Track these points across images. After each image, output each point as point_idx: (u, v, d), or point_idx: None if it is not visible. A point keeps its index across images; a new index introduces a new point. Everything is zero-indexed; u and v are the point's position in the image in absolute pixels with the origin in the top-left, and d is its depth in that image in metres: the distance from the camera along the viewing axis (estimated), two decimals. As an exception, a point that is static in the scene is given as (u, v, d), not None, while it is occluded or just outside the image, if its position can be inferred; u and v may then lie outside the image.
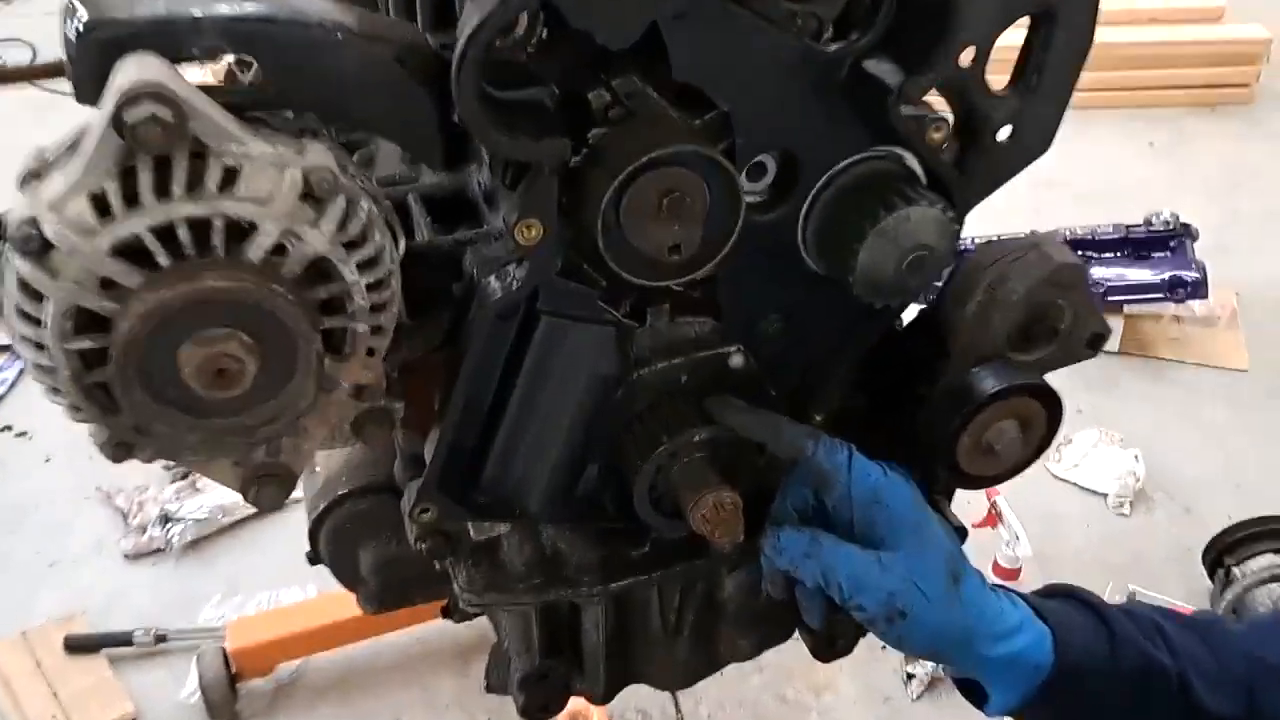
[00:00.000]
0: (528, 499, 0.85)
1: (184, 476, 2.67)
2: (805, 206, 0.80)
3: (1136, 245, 2.98)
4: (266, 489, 0.73)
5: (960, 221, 0.80)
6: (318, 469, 1.12)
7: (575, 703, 1.04)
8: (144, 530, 2.51)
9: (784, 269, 0.82)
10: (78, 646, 2.23)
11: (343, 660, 2.23)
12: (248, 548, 2.51)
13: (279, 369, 0.65)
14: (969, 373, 0.85)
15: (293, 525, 2.56)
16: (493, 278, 0.76)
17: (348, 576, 1.09)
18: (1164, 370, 2.95)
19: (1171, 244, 2.94)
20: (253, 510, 2.54)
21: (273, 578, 2.41)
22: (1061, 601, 0.87)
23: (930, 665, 2.11)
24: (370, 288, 0.68)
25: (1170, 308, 3.00)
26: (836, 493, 0.80)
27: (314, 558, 1.10)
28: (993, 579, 0.89)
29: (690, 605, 0.99)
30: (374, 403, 0.77)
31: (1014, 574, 2.37)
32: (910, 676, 2.13)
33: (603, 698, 1.01)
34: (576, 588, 0.90)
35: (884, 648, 2.22)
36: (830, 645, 1.06)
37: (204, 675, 2.08)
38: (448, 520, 0.83)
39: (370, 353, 0.71)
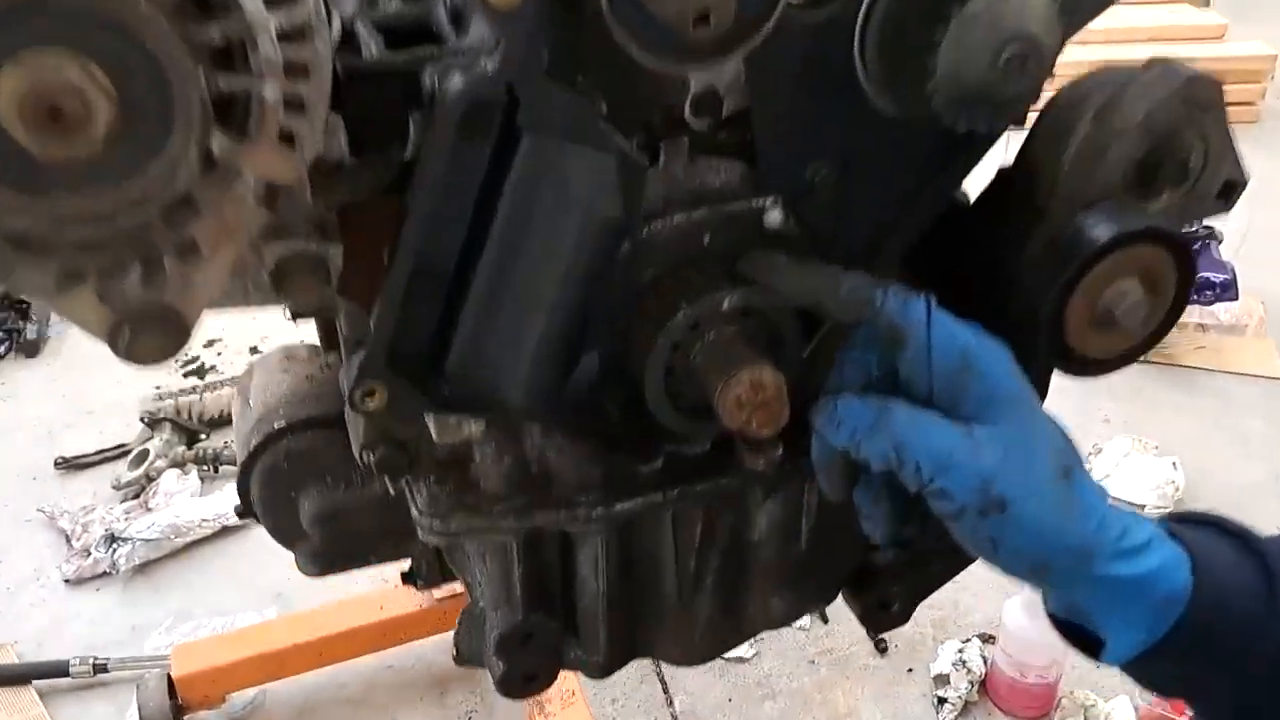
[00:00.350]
0: (507, 388, 0.65)
1: (136, 496, 2.44)
2: (865, 5, 0.63)
3: (1160, 249, 2.83)
4: (142, 336, 0.53)
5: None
6: (252, 402, 0.92)
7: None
8: (87, 553, 2.27)
9: (835, 95, 0.66)
10: (3, 679, 1.99)
11: (305, 689, 2.01)
12: (202, 571, 2.29)
13: (146, 124, 0.46)
14: (1076, 219, 0.66)
15: (251, 548, 2.36)
16: (456, 73, 0.58)
17: (285, 530, 0.89)
18: (1194, 379, 2.79)
19: (1195, 247, 2.78)
20: (208, 531, 2.32)
21: (229, 603, 2.20)
22: (1198, 529, 0.67)
23: (964, 686, 1.89)
24: (284, 37, 0.49)
25: (1195, 314, 2.84)
26: (912, 356, 0.60)
27: (244, 509, 0.89)
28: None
29: (714, 548, 0.78)
30: (297, 235, 0.58)
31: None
32: (942, 701, 1.90)
33: (603, 669, 0.79)
34: (571, 510, 0.69)
35: (910, 670, 2.04)
36: (883, 609, 0.86)
37: (145, 706, 1.86)
38: (401, 408, 0.63)
39: (287, 139, 0.52)
